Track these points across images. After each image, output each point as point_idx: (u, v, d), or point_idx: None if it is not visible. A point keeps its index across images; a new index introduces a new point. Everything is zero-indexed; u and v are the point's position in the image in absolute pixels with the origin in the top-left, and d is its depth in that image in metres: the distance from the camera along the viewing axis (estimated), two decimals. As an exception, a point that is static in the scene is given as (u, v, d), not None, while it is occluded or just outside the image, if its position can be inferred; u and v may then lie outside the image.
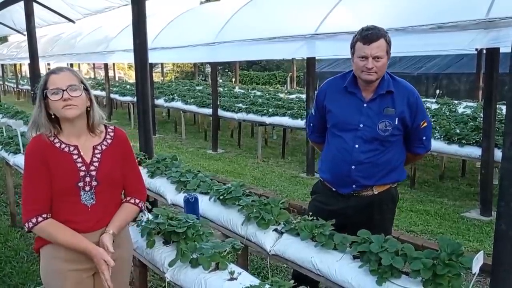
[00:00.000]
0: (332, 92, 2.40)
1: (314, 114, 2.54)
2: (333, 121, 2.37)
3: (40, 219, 1.78)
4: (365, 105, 2.30)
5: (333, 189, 2.42)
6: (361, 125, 2.29)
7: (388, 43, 2.22)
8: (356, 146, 2.29)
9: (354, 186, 2.33)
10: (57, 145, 1.84)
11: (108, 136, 1.95)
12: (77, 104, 1.79)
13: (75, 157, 1.84)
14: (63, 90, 1.76)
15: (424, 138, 2.39)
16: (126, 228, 2.05)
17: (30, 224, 1.78)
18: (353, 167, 2.30)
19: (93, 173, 1.85)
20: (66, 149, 1.84)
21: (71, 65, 15.35)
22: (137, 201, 2.01)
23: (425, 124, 2.35)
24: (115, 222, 1.91)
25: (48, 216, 1.80)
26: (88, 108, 1.87)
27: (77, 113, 1.80)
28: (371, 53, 2.16)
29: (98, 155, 1.89)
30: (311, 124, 2.59)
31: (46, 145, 1.82)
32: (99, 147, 1.91)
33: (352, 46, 2.28)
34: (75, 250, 1.82)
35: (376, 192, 2.35)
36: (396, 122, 2.27)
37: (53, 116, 1.82)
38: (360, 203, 2.36)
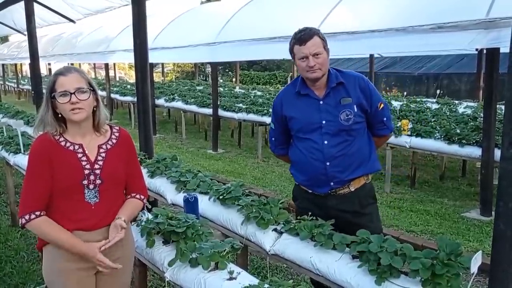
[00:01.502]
0: (288, 100, 2.45)
1: (275, 127, 2.56)
2: (297, 126, 2.40)
3: (32, 216, 1.79)
4: (321, 102, 2.35)
5: (310, 191, 2.44)
6: (324, 122, 2.33)
7: (323, 39, 2.29)
8: (325, 142, 2.32)
9: (332, 183, 2.34)
10: (62, 143, 1.86)
11: (113, 136, 1.97)
12: (84, 107, 1.81)
13: (79, 155, 1.86)
14: (71, 93, 1.78)
15: (385, 119, 2.45)
16: (129, 227, 2.07)
17: (23, 221, 1.80)
18: (327, 163, 2.32)
19: (98, 171, 1.86)
20: (71, 148, 1.86)
21: (72, 65, 15.34)
22: (142, 197, 2.05)
23: (382, 105, 2.41)
24: (125, 211, 1.94)
25: (42, 214, 1.81)
26: (94, 108, 1.89)
27: (84, 116, 1.83)
28: (309, 51, 2.24)
29: (103, 154, 1.90)
30: (273, 139, 2.61)
31: (51, 144, 1.84)
32: (104, 146, 1.93)
33: (291, 51, 2.34)
34: (68, 250, 1.82)
35: (352, 189, 2.37)
36: (356, 110, 2.33)
37: (59, 115, 1.84)
38: (339, 202, 2.37)
